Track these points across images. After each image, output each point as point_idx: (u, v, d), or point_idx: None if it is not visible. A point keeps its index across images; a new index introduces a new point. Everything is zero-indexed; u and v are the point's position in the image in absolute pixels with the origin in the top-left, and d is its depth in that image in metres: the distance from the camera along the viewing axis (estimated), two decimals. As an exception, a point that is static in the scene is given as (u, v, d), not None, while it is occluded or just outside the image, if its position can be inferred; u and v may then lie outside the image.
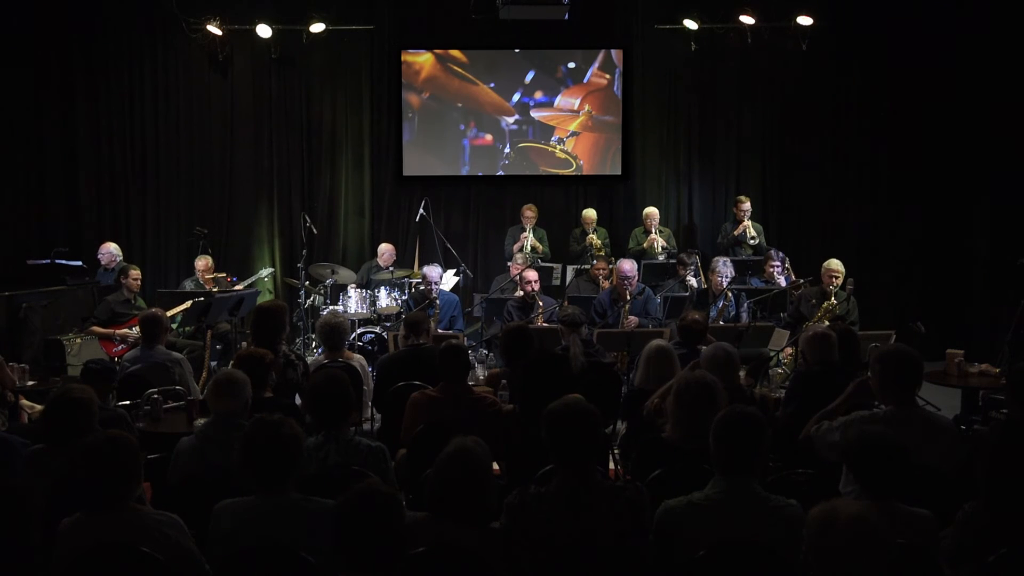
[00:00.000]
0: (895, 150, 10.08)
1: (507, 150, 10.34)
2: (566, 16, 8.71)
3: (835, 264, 7.67)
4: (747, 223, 9.23)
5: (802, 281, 8.14)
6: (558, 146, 10.36)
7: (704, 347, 5.49)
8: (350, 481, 2.94)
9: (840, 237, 9.97)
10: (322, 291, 9.02)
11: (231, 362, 4.92)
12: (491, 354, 7.75)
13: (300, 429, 3.16)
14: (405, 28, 10.10)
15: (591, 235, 9.43)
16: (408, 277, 9.03)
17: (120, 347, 7.43)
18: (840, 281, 7.64)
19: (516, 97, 10.29)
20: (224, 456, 3.66)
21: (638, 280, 7.90)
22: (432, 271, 8.12)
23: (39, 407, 5.14)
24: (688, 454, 3.53)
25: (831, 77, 10.11)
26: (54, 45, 9.69)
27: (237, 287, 8.83)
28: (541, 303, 7.58)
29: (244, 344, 6.39)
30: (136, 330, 7.05)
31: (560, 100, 10.32)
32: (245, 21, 9.74)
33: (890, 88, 9.96)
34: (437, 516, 2.90)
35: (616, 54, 10.25)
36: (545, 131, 10.34)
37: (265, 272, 9.53)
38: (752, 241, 9.18)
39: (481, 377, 6.12)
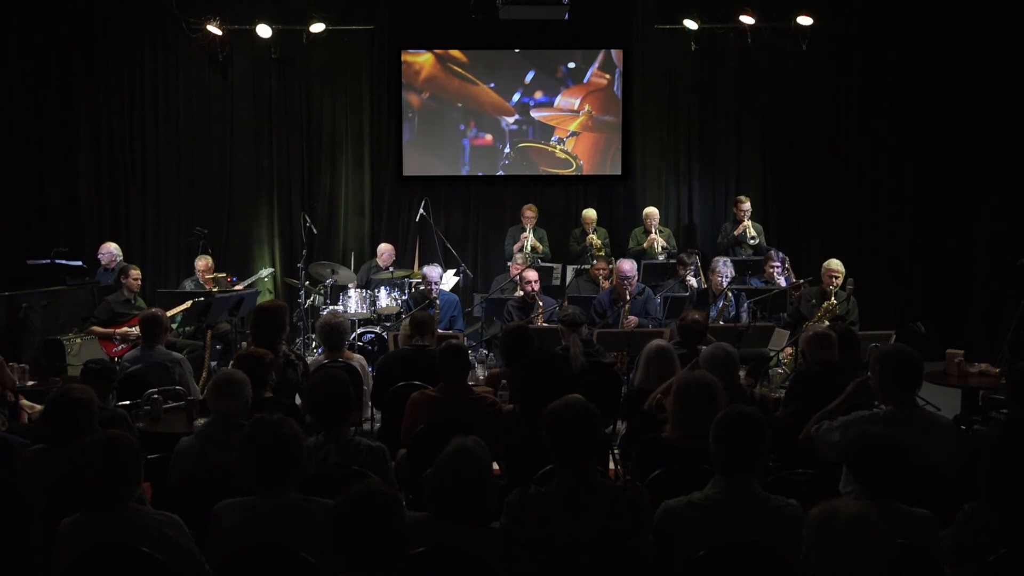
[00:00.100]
0: (895, 150, 10.08)
1: (507, 150, 10.34)
2: (566, 16, 8.71)
3: (835, 264, 7.67)
4: (747, 223, 9.23)
5: (802, 281, 8.14)
6: (558, 146, 10.36)
7: (704, 347, 5.51)
8: (350, 481, 2.93)
9: (840, 237, 9.97)
10: (322, 291, 9.02)
11: (231, 362, 4.92)
12: (491, 354, 7.76)
13: (300, 429, 3.17)
14: (405, 28, 10.10)
15: (591, 235, 9.43)
16: (408, 277, 9.03)
17: (120, 347, 7.43)
18: (840, 281, 7.65)
19: (516, 97, 10.29)
20: (224, 456, 3.66)
21: (638, 280, 7.90)
22: (432, 271, 8.12)
23: (39, 407, 5.13)
24: (688, 454, 3.53)
25: (831, 77, 10.11)
26: (54, 45, 9.68)
27: (237, 287, 8.83)
28: (541, 303, 7.58)
29: (244, 344, 6.39)
30: (136, 330, 7.04)
31: (560, 100, 10.32)
32: (245, 21, 9.74)
33: (890, 88, 9.96)
34: (437, 516, 2.90)
35: (616, 54, 10.26)
36: (545, 131, 10.34)
37: (265, 272, 9.54)
38: (752, 241, 9.18)
39: (481, 377, 6.13)
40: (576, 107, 10.32)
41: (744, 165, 10.36)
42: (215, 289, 8.43)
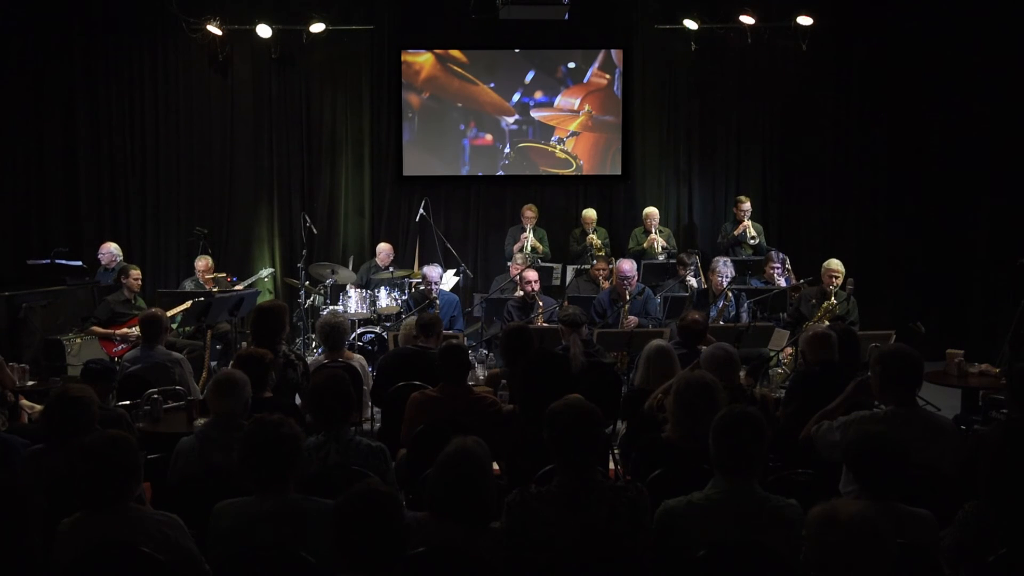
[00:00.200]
0: (895, 150, 10.09)
1: (507, 150, 10.34)
2: (566, 16, 8.70)
3: (835, 264, 7.68)
4: (747, 223, 9.23)
5: (802, 281, 8.15)
6: (558, 146, 10.36)
7: (704, 347, 5.51)
8: (350, 481, 2.93)
9: (840, 237, 9.97)
10: (322, 291, 9.02)
11: (231, 362, 4.92)
12: (491, 354, 7.75)
13: (300, 429, 3.17)
14: (405, 28, 10.10)
15: (591, 235, 9.43)
16: (408, 277, 9.02)
17: (120, 347, 7.43)
18: (840, 281, 7.65)
19: (516, 97, 10.29)
20: (224, 456, 3.66)
21: (638, 280, 7.90)
22: (432, 271, 8.12)
23: (39, 407, 5.14)
24: (688, 454, 3.53)
25: (831, 77, 10.11)
26: (54, 46, 9.68)
27: (237, 287, 8.83)
28: (541, 303, 7.58)
29: (244, 344, 6.39)
30: (136, 330, 7.04)
31: (560, 100, 10.32)
32: (245, 21, 9.74)
33: (890, 88, 9.96)
34: (437, 516, 2.90)
35: (616, 54, 10.26)
36: (545, 131, 10.34)
37: (265, 272, 9.54)
38: (752, 241, 9.18)
39: (481, 377, 6.13)
40: (576, 107, 10.32)
41: (744, 165, 10.36)
42: (215, 289, 8.43)
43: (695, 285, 8.34)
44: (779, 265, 8.44)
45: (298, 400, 5.12)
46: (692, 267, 8.57)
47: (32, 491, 2.78)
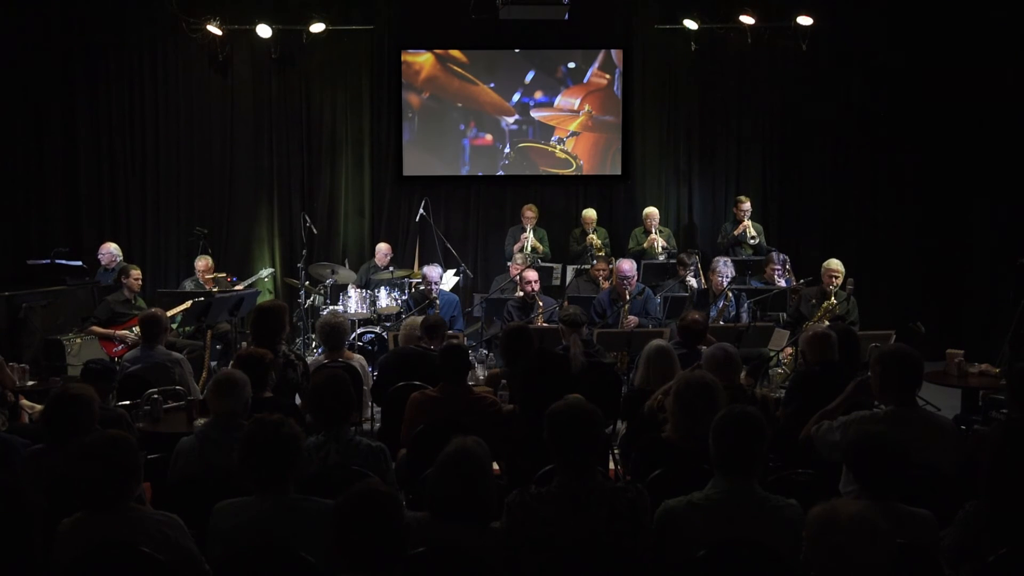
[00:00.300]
0: (895, 150, 10.09)
1: (507, 150, 10.34)
2: (566, 16, 8.70)
3: (835, 264, 7.68)
4: (747, 223, 9.23)
5: (801, 281, 8.15)
6: (558, 146, 10.36)
7: (704, 347, 5.51)
8: (350, 481, 2.93)
9: (840, 237, 9.97)
10: (322, 291, 9.02)
11: (231, 362, 4.92)
12: (491, 354, 7.75)
13: (300, 429, 3.17)
14: (405, 28, 10.10)
15: (591, 235, 9.43)
16: (408, 277, 9.02)
17: (120, 347, 7.43)
18: (840, 281, 7.65)
19: (516, 97, 10.29)
20: (224, 456, 3.66)
21: (638, 280, 7.90)
22: (432, 271, 8.12)
23: (39, 407, 5.14)
24: (688, 454, 3.53)
25: (831, 77, 10.11)
26: (54, 46, 9.68)
27: (237, 287, 8.83)
28: (541, 303, 7.58)
29: (244, 344, 6.39)
30: (136, 330, 7.04)
31: (560, 100, 10.32)
32: (245, 21, 9.74)
33: (890, 88, 9.96)
34: (437, 516, 2.90)
35: (616, 54, 10.26)
36: (545, 131, 10.34)
37: (265, 272, 9.54)
38: (752, 241, 9.18)
39: (481, 377, 6.12)
40: (576, 107, 10.32)
41: (744, 165, 10.36)
42: (215, 289, 8.43)
43: (695, 285, 8.34)
44: (780, 267, 8.44)
45: (298, 400, 5.13)
46: (692, 267, 8.57)
47: (32, 491, 2.78)
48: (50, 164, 9.87)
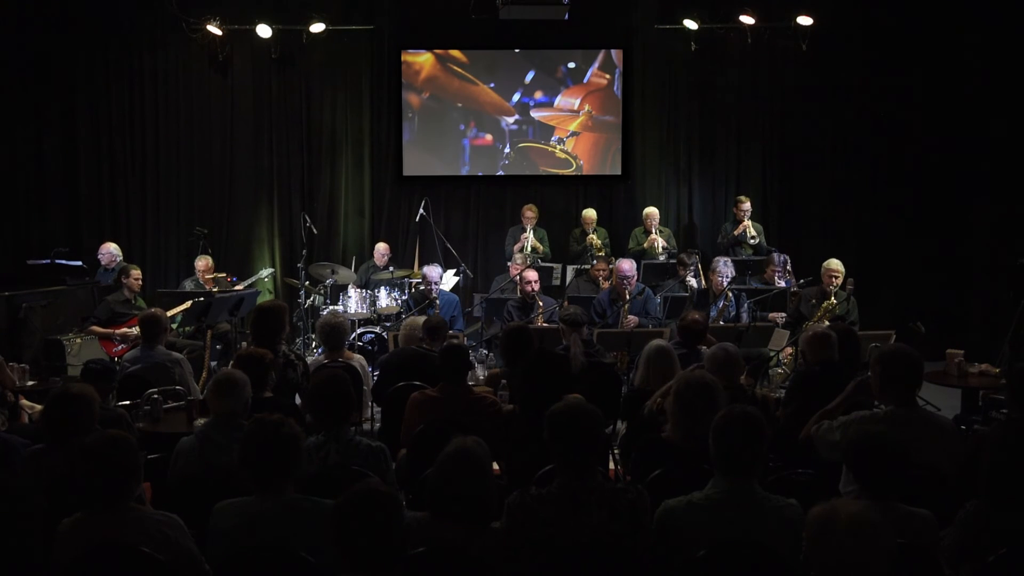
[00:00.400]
0: (895, 150, 10.09)
1: (507, 150, 10.34)
2: (566, 16, 8.70)
3: (835, 264, 7.68)
4: (747, 223, 9.23)
5: (801, 281, 8.15)
6: (558, 146, 10.36)
7: (704, 347, 5.51)
8: (350, 481, 2.93)
9: (840, 237, 9.97)
10: (322, 291, 9.02)
11: (231, 362, 4.92)
12: (491, 354, 7.75)
13: (300, 429, 3.17)
14: (405, 28, 10.10)
15: (591, 235, 9.43)
16: (408, 277, 9.02)
17: (120, 347, 7.43)
18: (840, 281, 7.66)
19: (516, 97, 10.29)
20: (224, 456, 3.66)
21: (638, 280, 7.90)
22: (432, 271, 8.12)
23: (39, 407, 5.13)
24: (688, 454, 3.53)
25: (831, 77, 10.11)
26: (54, 46, 9.67)
27: (237, 287, 8.83)
28: (541, 303, 7.58)
29: (244, 344, 6.39)
30: (136, 330, 7.04)
31: (560, 100, 10.32)
32: (245, 21, 9.74)
33: (890, 88, 9.95)
34: (437, 516, 2.90)
35: (616, 54, 10.25)
36: (545, 131, 10.34)
37: (265, 272, 9.53)
38: (752, 241, 9.18)
39: (481, 377, 6.12)
40: (576, 107, 10.32)
41: (744, 165, 10.36)
42: (215, 289, 8.43)
43: (695, 285, 8.34)
44: (780, 268, 8.43)
45: (298, 400, 5.12)
46: (692, 267, 8.57)
47: (32, 491, 2.78)
48: (50, 164, 9.87)
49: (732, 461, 2.98)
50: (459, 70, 10.24)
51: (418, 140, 10.29)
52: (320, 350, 6.84)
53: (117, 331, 7.55)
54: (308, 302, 8.88)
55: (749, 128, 10.29)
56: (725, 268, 7.83)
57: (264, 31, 9.68)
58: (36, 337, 7.71)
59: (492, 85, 10.28)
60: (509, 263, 8.93)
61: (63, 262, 8.59)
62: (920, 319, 7.17)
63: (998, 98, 9.58)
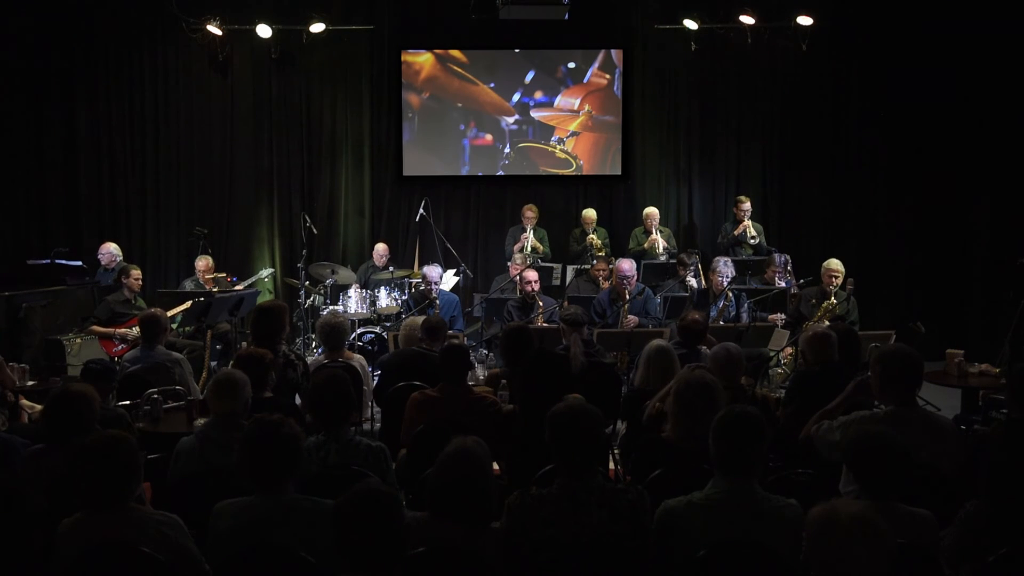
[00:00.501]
0: (895, 150, 10.09)
1: (507, 150, 10.34)
2: (566, 16, 8.70)
3: (835, 264, 7.68)
4: (747, 223, 9.23)
5: (801, 281, 8.14)
6: (558, 146, 10.36)
7: (704, 347, 5.51)
8: (350, 481, 2.93)
9: (840, 237, 9.98)
10: (322, 291, 9.02)
11: (231, 362, 4.92)
12: (491, 354, 7.75)
13: (300, 429, 3.17)
14: (405, 28, 10.10)
15: (591, 235, 9.43)
16: (408, 277, 9.02)
17: (120, 347, 7.43)
18: (840, 281, 7.66)
19: (516, 97, 10.29)
20: (224, 456, 3.66)
21: (638, 280, 7.90)
22: (432, 271, 8.12)
23: (39, 407, 5.13)
24: (688, 454, 3.53)
25: (831, 77, 10.11)
26: (54, 46, 9.68)
27: (237, 287, 8.83)
28: (541, 303, 7.58)
29: (244, 344, 6.39)
30: (136, 330, 7.04)
31: (560, 100, 10.32)
32: (245, 21, 9.74)
33: (890, 88, 9.96)
34: (437, 516, 2.90)
35: (616, 54, 10.26)
36: (545, 131, 10.34)
37: (265, 272, 9.54)
38: (752, 241, 9.18)
39: (481, 377, 6.12)
40: (576, 107, 10.32)
41: (744, 165, 10.36)
42: (215, 289, 8.43)
43: (695, 285, 8.34)
44: (780, 268, 8.43)
45: (298, 400, 5.12)
46: (692, 267, 8.57)
47: (32, 491, 2.78)
48: (50, 164, 9.87)
49: (732, 461, 2.98)
50: (459, 70, 10.24)
51: (418, 140, 10.29)
52: (320, 350, 6.84)
53: (117, 331, 7.55)
54: (308, 302, 8.88)
55: (749, 128, 10.30)
56: (725, 268, 7.83)
57: (264, 31, 9.69)
58: (36, 337, 7.71)
59: (492, 85, 10.28)
60: (509, 263, 8.93)
61: (63, 262, 8.59)
62: (920, 319, 7.17)
63: (998, 98, 9.58)
